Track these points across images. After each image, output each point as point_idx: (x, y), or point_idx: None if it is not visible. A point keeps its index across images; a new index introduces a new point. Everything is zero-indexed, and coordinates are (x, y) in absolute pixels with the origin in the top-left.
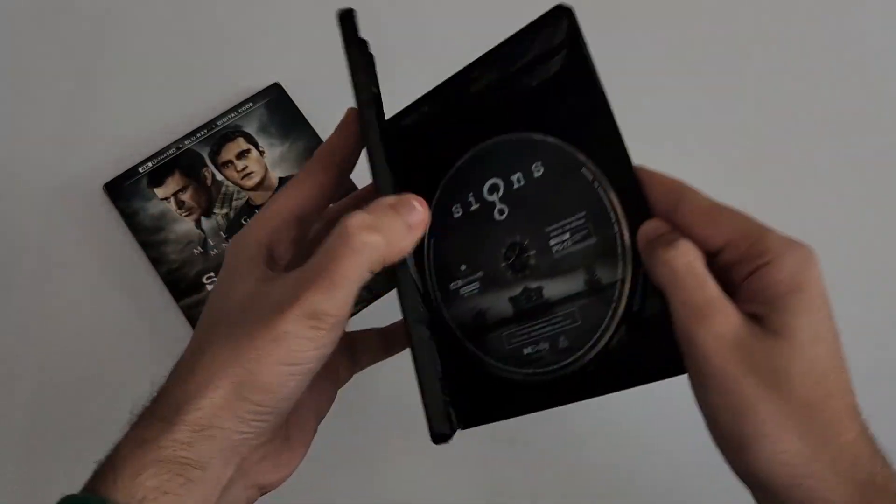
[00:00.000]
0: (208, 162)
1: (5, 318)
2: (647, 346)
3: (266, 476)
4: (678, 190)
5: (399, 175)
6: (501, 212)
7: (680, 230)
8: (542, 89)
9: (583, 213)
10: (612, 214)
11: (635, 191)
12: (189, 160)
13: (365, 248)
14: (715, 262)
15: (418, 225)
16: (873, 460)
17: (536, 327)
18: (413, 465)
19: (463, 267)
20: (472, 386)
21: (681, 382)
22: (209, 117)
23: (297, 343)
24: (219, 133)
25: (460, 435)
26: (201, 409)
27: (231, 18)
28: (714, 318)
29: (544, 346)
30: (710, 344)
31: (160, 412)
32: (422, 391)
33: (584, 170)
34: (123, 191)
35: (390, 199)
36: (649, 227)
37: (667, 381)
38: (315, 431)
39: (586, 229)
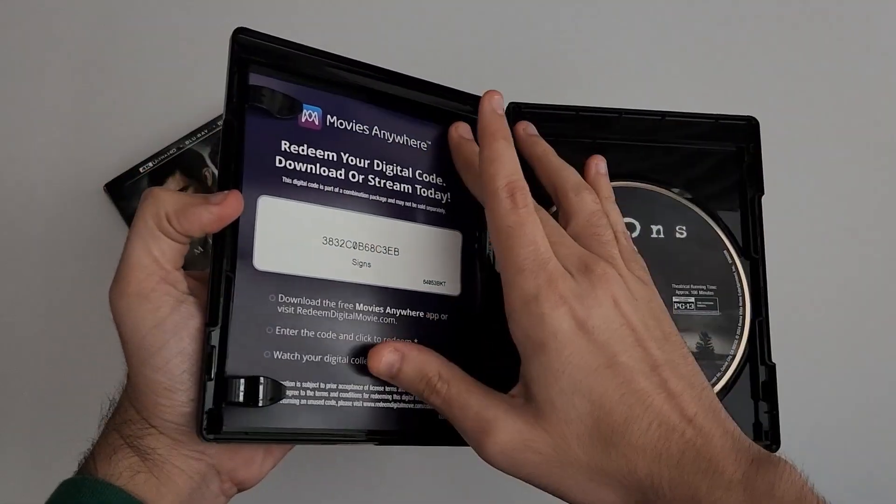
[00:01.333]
0: (209, 162)
1: (5, 318)
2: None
3: (240, 472)
4: None
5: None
6: None
7: None
8: (707, 169)
9: (713, 287)
10: (739, 298)
11: (762, 286)
12: (190, 160)
13: (153, 198)
14: None
15: (219, 205)
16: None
17: None
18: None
19: None
20: None
21: None
22: (210, 117)
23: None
24: (219, 133)
25: None
26: None
27: (232, 18)
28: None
29: None
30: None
31: (132, 396)
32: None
33: (725, 252)
34: (124, 191)
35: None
36: None
37: None
38: None
39: (712, 301)
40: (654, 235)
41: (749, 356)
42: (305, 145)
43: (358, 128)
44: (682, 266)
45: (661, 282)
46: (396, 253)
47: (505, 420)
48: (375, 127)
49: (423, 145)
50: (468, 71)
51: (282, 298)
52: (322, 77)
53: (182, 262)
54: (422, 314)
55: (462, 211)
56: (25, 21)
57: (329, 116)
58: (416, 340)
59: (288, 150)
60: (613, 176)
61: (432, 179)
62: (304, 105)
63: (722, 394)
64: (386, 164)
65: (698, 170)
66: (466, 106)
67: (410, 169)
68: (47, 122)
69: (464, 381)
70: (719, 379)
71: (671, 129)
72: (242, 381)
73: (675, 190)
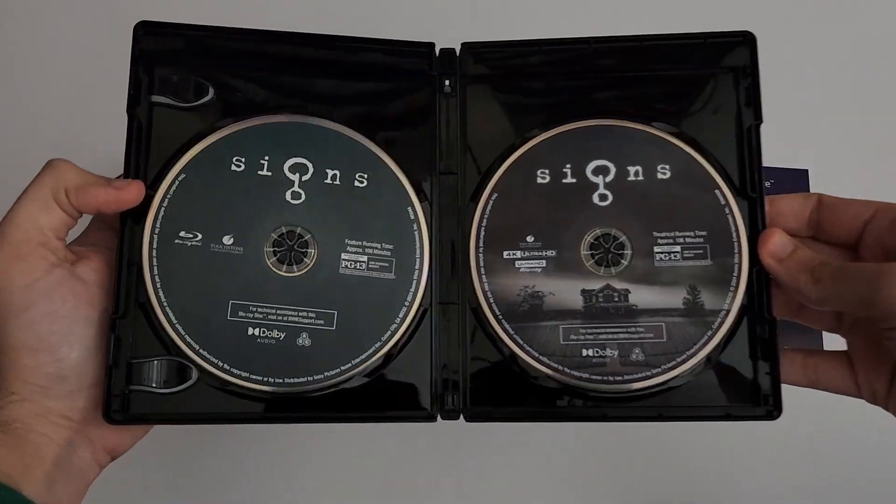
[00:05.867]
0: None
1: None
2: (726, 381)
3: (111, 439)
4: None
5: None
6: (603, 197)
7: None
8: (695, 99)
9: (703, 233)
10: (735, 245)
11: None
12: None
13: (56, 168)
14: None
15: (119, 189)
16: None
17: (609, 330)
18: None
19: (530, 238)
20: (488, 373)
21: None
22: None
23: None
24: None
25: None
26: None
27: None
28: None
29: (611, 352)
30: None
31: None
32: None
33: (717, 192)
34: None
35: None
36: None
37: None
38: None
39: (702, 249)
40: (631, 178)
41: (746, 310)
42: None
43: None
44: (665, 211)
45: (639, 229)
46: None
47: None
48: None
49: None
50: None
51: None
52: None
53: (66, 235)
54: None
55: None
56: (24, 21)
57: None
58: None
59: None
60: (584, 114)
61: None
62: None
63: (716, 353)
64: None
65: (683, 100)
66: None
67: None
68: (47, 122)
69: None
70: (710, 338)
71: (650, 54)
72: (150, 364)
73: (655, 125)
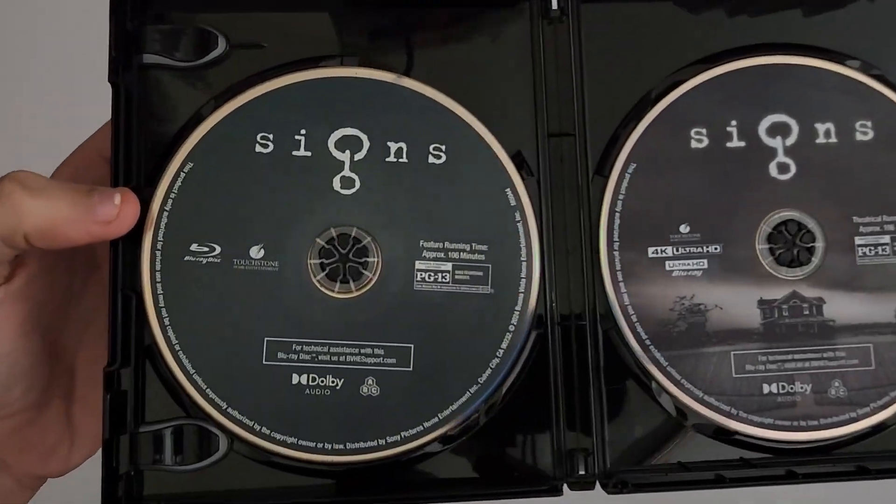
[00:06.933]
0: None
1: None
2: None
3: (37, 466)
4: None
5: None
6: (784, 168)
7: None
8: None
9: None
10: None
11: None
12: None
13: (12, 203)
14: None
15: (105, 225)
16: None
17: (798, 357)
18: None
19: (684, 228)
20: (632, 423)
21: None
22: None
23: None
24: None
25: None
26: None
27: None
28: None
29: (802, 387)
30: None
31: None
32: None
33: None
34: None
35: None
36: None
37: None
38: None
39: None
40: (820, 140)
41: None
42: None
43: None
44: (869, 187)
45: (835, 213)
46: None
47: None
48: None
49: None
50: None
51: None
52: None
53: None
54: None
55: None
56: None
57: None
58: None
59: None
60: (754, 48)
61: None
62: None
63: None
64: None
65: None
66: None
67: None
68: (48, 124)
69: None
70: None
71: None
72: (163, 433)
73: (852, 64)
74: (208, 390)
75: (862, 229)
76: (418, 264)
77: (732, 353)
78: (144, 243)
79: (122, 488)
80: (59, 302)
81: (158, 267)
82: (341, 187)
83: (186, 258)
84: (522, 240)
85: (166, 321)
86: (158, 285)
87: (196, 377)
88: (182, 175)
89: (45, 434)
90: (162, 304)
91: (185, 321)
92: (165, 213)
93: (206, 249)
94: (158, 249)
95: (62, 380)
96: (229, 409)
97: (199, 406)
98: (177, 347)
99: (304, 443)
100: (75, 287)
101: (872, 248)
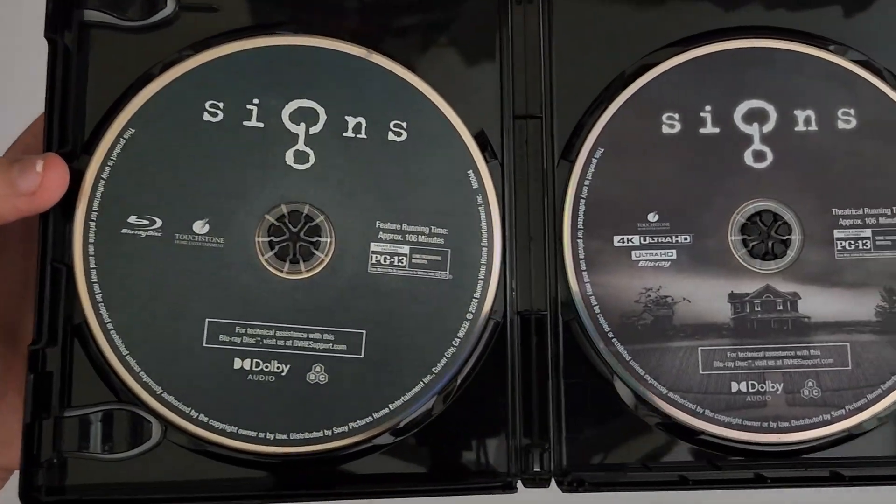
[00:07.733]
0: None
1: None
2: None
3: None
4: None
5: None
6: (760, 156)
7: None
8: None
9: None
10: None
11: None
12: None
13: None
14: None
15: (30, 196)
16: None
17: (770, 354)
18: None
19: (653, 217)
20: (592, 419)
21: None
22: None
23: None
24: None
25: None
26: None
27: None
28: None
29: (774, 387)
30: None
31: None
32: None
33: None
34: None
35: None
36: None
37: None
38: None
39: None
40: (799, 128)
41: None
42: None
43: None
44: (851, 178)
45: (813, 204)
46: None
47: None
48: None
49: None
50: None
51: None
52: None
53: None
54: None
55: None
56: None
57: None
58: None
59: None
60: (730, 31)
61: None
62: None
63: None
64: None
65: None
66: None
67: None
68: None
69: None
70: None
71: None
72: (91, 417)
73: (833, 48)
74: (142, 373)
75: (842, 222)
76: (374, 246)
77: (700, 348)
78: (77, 213)
79: (42, 477)
80: (12, 288)
81: (92, 239)
82: (294, 161)
83: (124, 231)
84: (484, 224)
85: (98, 297)
86: (91, 258)
87: (129, 358)
88: (122, 142)
89: (1, 425)
90: (95, 279)
91: (119, 298)
92: (102, 182)
93: (145, 222)
94: (93, 220)
95: (19, 368)
96: (164, 394)
97: (131, 390)
98: (109, 326)
99: (244, 432)
100: (31, 271)
101: (852, 241)
